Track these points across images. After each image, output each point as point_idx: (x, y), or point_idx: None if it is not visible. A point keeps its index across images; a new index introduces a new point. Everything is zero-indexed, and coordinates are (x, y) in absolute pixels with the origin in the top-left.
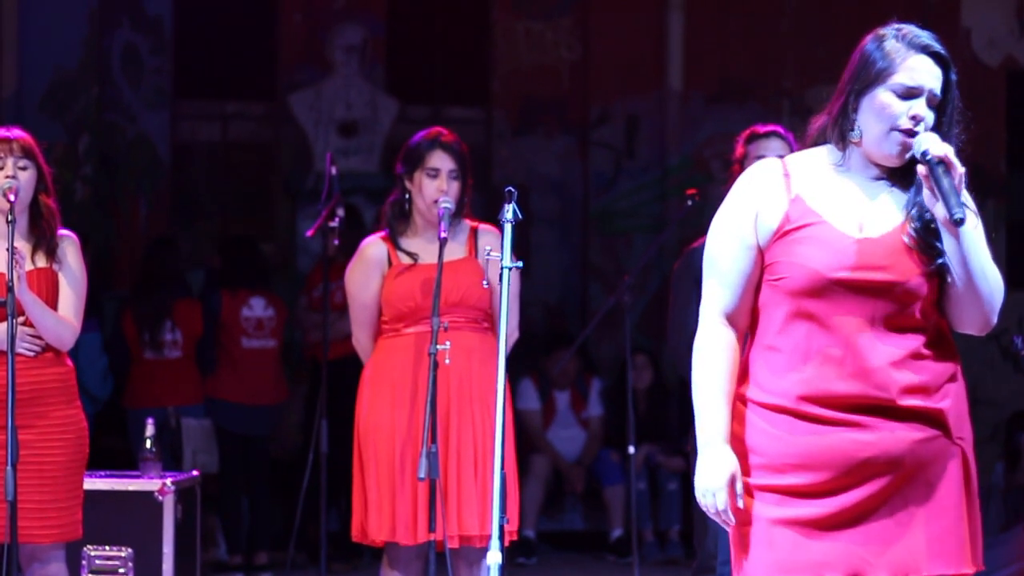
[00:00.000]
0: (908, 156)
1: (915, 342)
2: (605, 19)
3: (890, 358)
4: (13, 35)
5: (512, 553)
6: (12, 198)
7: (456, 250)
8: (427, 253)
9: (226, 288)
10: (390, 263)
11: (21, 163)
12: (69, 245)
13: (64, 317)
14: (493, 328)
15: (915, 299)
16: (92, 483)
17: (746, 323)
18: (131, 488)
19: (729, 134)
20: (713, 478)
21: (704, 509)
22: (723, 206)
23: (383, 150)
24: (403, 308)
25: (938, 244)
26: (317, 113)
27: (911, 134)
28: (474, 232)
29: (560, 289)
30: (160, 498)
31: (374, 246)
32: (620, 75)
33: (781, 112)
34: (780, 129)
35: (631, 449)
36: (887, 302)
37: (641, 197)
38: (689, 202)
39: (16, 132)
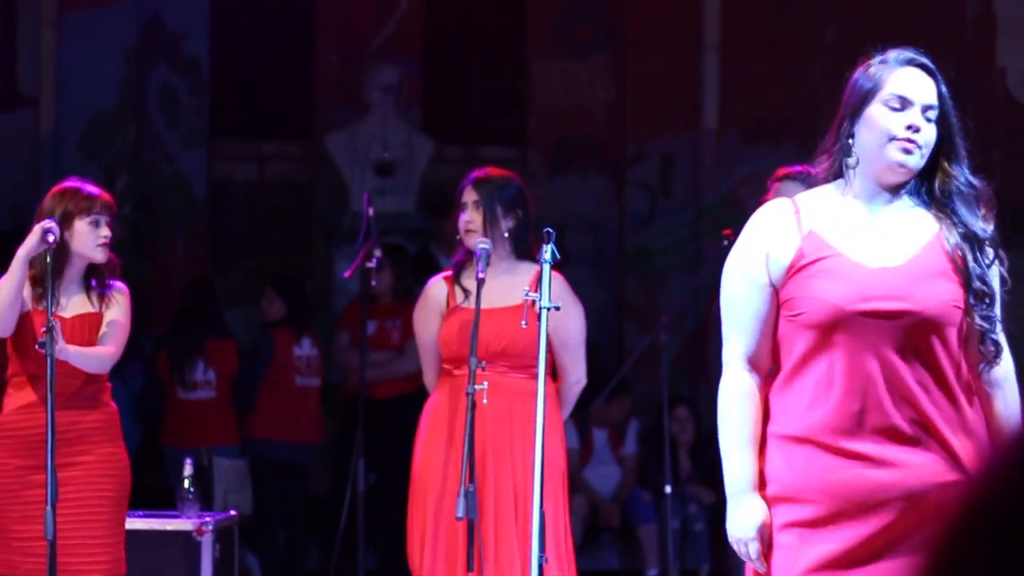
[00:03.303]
0: (913, 165)
1: (940, 373)
2: (640, 58)
3: (915, 390)
4: (51, 76)
5: None
6: (51, 239)
7: (512, 295)
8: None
9: (281, 327)
10: (448, 303)
11: (110, 223)
12: (120, 294)
13: (100, 350)
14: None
15: (938, 328)
16: (131, 523)
17: (768, 364)
18: (169, 528)
19: (764, 173)
20: (744, 528)
21: (739, 555)
22: (734, 249)
23: (419, 190)
24: (446, 351)
25: (978, 272)
26: (353, 153)
27: (909, 142)
28: (538, 277)
29: (596, 328)
30: (198, 538)
31: (436, 286)
32: (655, 114)
33: (815, 151)
34: (810, 169)
35: (667, 488)
36: (908, 331)
37: (676, 236)
38: (725, 242)
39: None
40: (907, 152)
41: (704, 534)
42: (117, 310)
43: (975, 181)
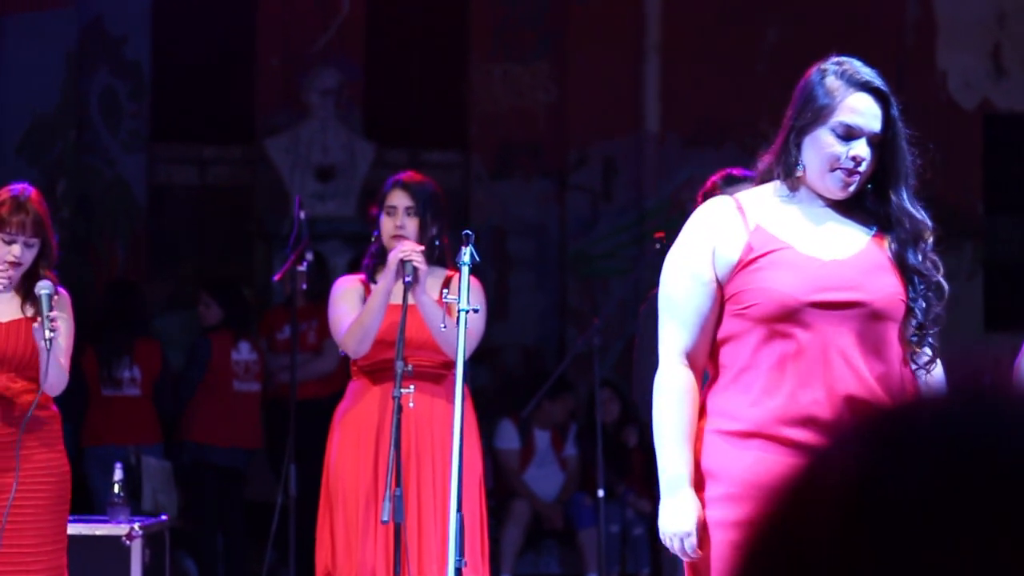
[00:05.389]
0: (851, 191)
1: (891, 362)
2: (582, 62)
3: (866, 378)
4: None
5: None
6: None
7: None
8: (397, 295)
9: (219, 331)
10: (363, 301)
11: (31, 241)
12: (62, 303)
13: (65, 364)
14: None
15: (886, 318)
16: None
17: (705, 361)
18: (99, 533)
19: (705, 176)
20: (680, 523)
21: (671, 551)
22: (676, 245)
23: (360, 194)
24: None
25: (921, 273)
26: (294, 157)
27: (852, 173)
28: (448, 281)
29: (538, 332)
30: (128, 543)
31: (352, 284)
32: (597, 118)
33: (757, 154)
34: (755, 175)
35: (600, 492)
36: (860, 322)
37: (618, 240)
38: (657, 245)
39: (32, 198)
40: (846, 184)
41: (643, 539)
42: (63, 324)
43: (913, 211)
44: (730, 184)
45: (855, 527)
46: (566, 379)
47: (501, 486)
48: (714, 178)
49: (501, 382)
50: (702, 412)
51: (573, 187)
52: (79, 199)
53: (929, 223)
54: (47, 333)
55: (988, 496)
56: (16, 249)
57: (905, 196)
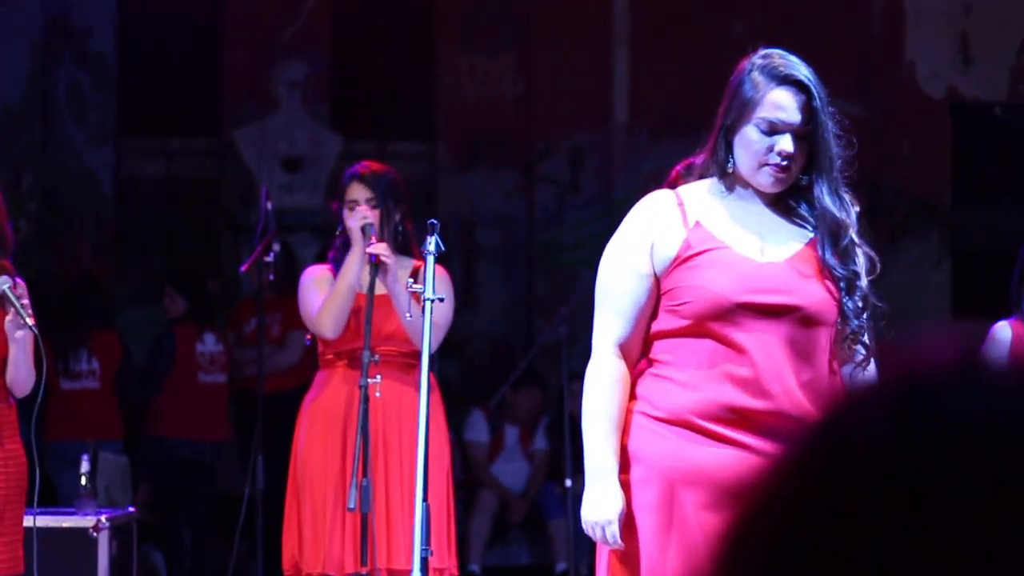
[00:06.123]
0: (783, 187)
1: (819, 368)
2: (549, 54)
3: (792, 381)
4: None
5: None
6: None
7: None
8: (365, 285)
9: (184, 323)
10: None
11: None
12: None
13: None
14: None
15: (818, 324)
16: (26, 520)
17: (638, 353)
18: (65, 525)
19: (673, 167)
20: (603, 511)
21: (592, 539)
22: (616, 237)
23: (327, 185)
24: (337, 339)
25: (842, 270)
26: (261, 149)
27: (779, 169)
28: (415, 272)
29: (505, 323)
30: (95, 535)
31: (320, 270)
32: (565, 110)
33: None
34: None
35: (568, 482)
36: (789, 325)
37: (586, 231)
38: None
39: None
40: (776, 179)
41: None
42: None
43: (833, 209)
44: (691, 175)
45: (830, 516)
46: (536, 372)
47: (469, 477)
48: (677, 168)
49: (469, 373)
50: (632, 396)
51: (541, 179)
52: (45, 192)
53: (849, 218)
54: (29, 320)
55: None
56: None
57: (825, 190)
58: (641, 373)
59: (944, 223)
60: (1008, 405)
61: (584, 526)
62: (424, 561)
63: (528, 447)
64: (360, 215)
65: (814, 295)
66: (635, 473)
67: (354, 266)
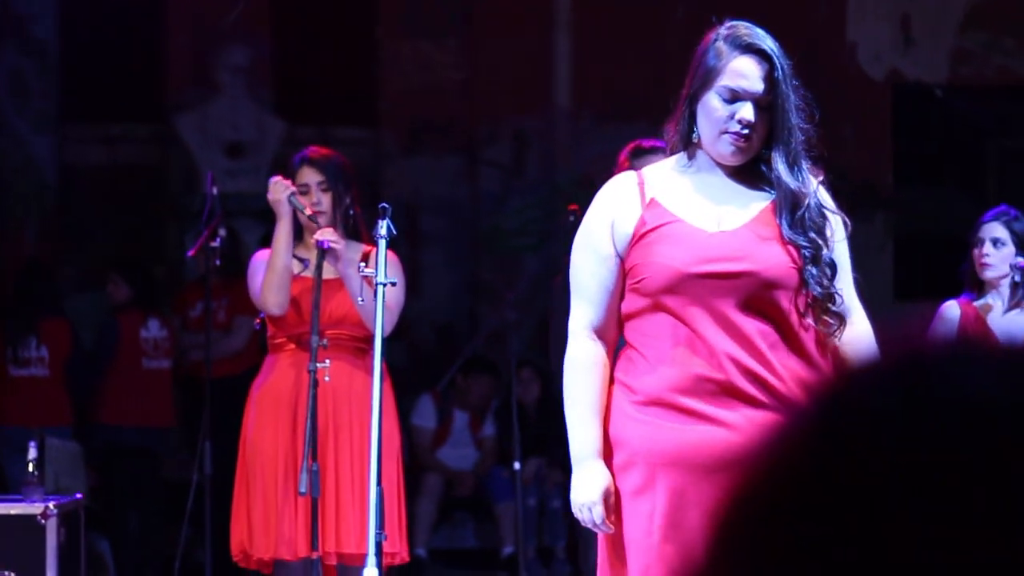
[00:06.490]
0: (744, 156)
1: (787, 330)
2: (492, 38)
3: (762, 349)
4: None
5: (403, 572)
6: None
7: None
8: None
9: (127, 309)
10: None
11: None
12: None
13: None
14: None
15: (777, 287)
16: None
17: (615, 334)
18: (12, 512)
19: (617, 151)
20: (588, 493)
21: (581, 522)
22: (583, 222)
23: (270, 171)
24: (287, 316)
25: (802, 240)
26: (204, 134)
27: (740, 137)
28: (366, 256)
29: (450, 308)
30: (43, 521)
31: (267, 253)
32: (508, 94)
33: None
34: (664, 144)
35: (516, 465)
36: (748, 291)
37: (530, 215)
38: (571, 218)
39: None
40: (737, 147)
41: (560, 511)
42: None
43: (788, 178)
44: (638, 156)
45: (828, 491)
46: (486, 359)
47: (414, 463)
48: (624, 151)
49: (414, 359)
50: (611, 382)
51: (484, 163)
52: None
53: (806, 188)
54: None
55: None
56: None
57: (783, 161)
58: (619, 355)
59: (887, 206)
60: (1009, 380)
61: (572, 508)
62: (378, 545)
63: (478, 433)
64: (283, 186)
65: (770, 259)
66: (618, 458)
67: (283, 239)
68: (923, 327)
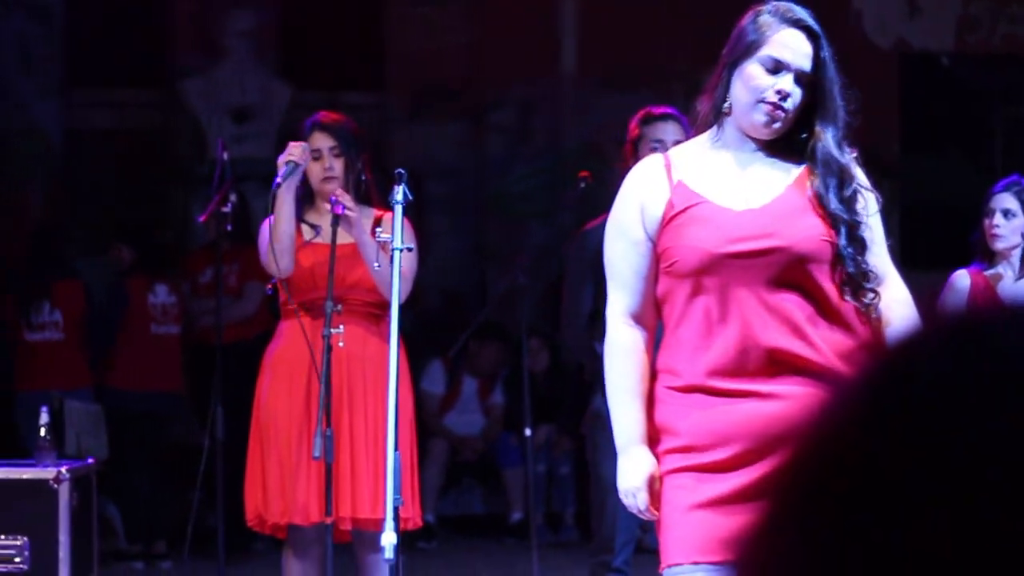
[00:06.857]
0: (776, 128)
1: (823, 303)
2: (498, 3)
3: (799, 322)
4: None
5: (412, 537)
6: None
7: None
8: (328, 232)
9: (134, 275)
10: (293, 240)
11: None
12: None
13: None
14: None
15: (812, 261)
16: None
17: (653, 318)
18: (25, 476)
19: (623, 117)
20: (632, 479)
21: (628, 508)
22: (613, 207)
23: (277, 136)
24: (300, 282)
25: (848, 216)
26: (210, 99)
27: (777, 108)
28: (378, 221)
29: (457, 274)
30: (55, 486)
31: None
32: (514, 59)
33: (675, 95)
34: (674, 111)
35: (527, 431)
36: (782, 268)
37: (536, 181)
38: (582, 184)
39: None
40: (771, 118)
41: (569, 477)
42: None
43: (837, 155)
44: (648, 123)
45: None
46: (496, 325)
47: (420, 428)
48: (635, 118)
49: (422, 324)
50: (654, 370)
51: (490, 129)
52: None
53: (852, 168)
54: None
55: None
56: None
57: (832, 138)
58: (660, 341)
59: (893, 174)
60: None
61: (620, 495)
62: (396, 510)
63: (486, 400)
64: (287, 154)
65: (799, 233)
66: (664, 446)
67: (285, 204)
68: (933, 296)
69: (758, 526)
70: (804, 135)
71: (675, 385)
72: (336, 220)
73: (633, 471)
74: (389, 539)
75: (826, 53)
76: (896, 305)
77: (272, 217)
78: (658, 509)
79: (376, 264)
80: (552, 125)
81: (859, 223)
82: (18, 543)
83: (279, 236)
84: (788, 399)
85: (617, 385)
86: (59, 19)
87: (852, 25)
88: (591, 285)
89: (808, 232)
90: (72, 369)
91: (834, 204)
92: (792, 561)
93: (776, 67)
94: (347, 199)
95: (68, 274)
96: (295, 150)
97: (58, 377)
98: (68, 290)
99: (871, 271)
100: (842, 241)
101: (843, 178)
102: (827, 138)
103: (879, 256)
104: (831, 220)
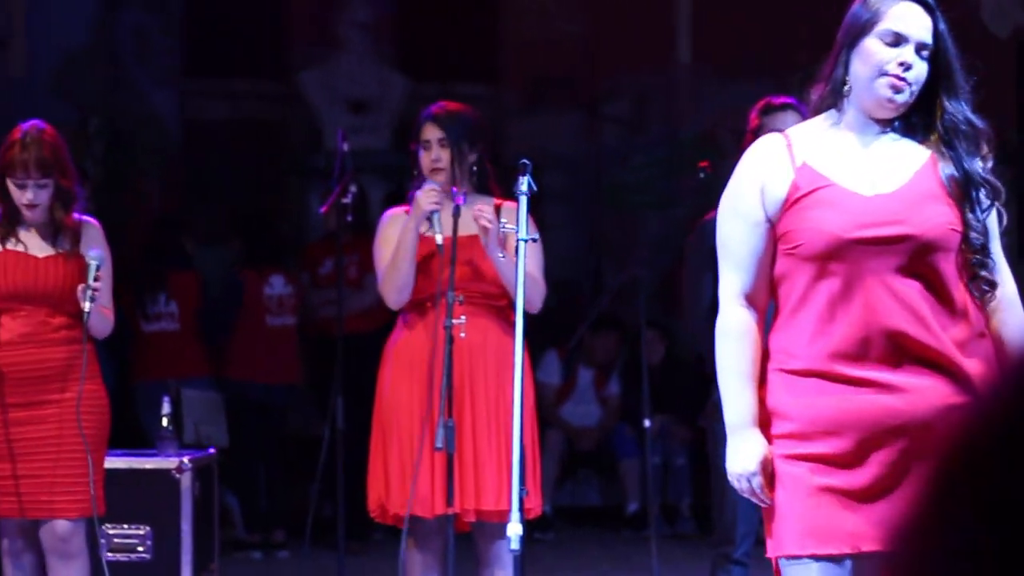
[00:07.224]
0: (902, 102)
1: (946, 294)
2: None
3: (922, 313)
4: (21, 17)
5: (530, 528)
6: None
7: (474, 225)
8: (444, 226)
9: (247, 266)
10: None
11: (41, 182)
12: (93, 231)
13: (108, 314)
14: (511, 304)
15: (939, 250)
16: (110, 461)
17: (766, 300)
18: (148, 466)
19: (739, 107)
20: (745, 462)
21: (740, 492)
22: (728, 186)
23: (393, 128)
24: (420, 279)
25: (977, 193)
26: (327, 91)
27: (901, 80)
28: (497, 210)
29: (573, 265)
30: (177, 476)
31: (398, 213)
32: (629, 49)
33: (791, 85)
34: (794, 101)
35: (646, 423)
36: (909, 256)
37: (652, 172)
38: (701, 175)
39: (38, 138)
40: (896, 89)
41: (685, 468)
42: (104, 268)
43: (974, 119)
44: (768, 113)
45: (1011, 472)
46: (612, 316)
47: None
48: (755, 108)
49: (536, 316)
50: (765, 352)
51: (605, 119)
52: (112, 136)
53: (990, 132)
54: (86, 305)
55: None
56: (28, 194)
57: (964, 105)
58: (772, 322)
59: (1012, 161)
60: None
61: (729, 479)
62: (521, 501)
63: (602, 391)
64: (431, 199)
65: (929, 221)
66: (776, 430)
67: (410, 236)
68: None
69: (910, 526)
70: (923, 111)
71: (791, 368)
72: (457, 210)
73: (746, 453)
74: (515, 530)
75: (943, 26)
76: (1007, 306)
77: (397, 213)
78: (772, 494)
79: (501, 255)
80: (667, 115)
81: (988, 207)
82: (141, 532)
83: (401, 270)
84: (906, 392)
85: (730, 367)
86: (177, 9)
87: (970, 13)
88: (711, 275)
89: (938, 219)
90: (189, 359)
91: (974, 167)
92: (947, 560)
93: (896, 39)
94: (488, 212)
95: (184, 265)
96: (432, 195)
97: (175, 367)
98: (185, 281)
99: (990, 258)
100: (971, 224)
101: (979, 143)
102: (960, 107)
103: (994, 248)
104: (967, 192)
